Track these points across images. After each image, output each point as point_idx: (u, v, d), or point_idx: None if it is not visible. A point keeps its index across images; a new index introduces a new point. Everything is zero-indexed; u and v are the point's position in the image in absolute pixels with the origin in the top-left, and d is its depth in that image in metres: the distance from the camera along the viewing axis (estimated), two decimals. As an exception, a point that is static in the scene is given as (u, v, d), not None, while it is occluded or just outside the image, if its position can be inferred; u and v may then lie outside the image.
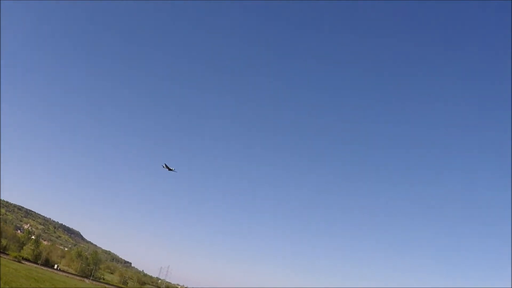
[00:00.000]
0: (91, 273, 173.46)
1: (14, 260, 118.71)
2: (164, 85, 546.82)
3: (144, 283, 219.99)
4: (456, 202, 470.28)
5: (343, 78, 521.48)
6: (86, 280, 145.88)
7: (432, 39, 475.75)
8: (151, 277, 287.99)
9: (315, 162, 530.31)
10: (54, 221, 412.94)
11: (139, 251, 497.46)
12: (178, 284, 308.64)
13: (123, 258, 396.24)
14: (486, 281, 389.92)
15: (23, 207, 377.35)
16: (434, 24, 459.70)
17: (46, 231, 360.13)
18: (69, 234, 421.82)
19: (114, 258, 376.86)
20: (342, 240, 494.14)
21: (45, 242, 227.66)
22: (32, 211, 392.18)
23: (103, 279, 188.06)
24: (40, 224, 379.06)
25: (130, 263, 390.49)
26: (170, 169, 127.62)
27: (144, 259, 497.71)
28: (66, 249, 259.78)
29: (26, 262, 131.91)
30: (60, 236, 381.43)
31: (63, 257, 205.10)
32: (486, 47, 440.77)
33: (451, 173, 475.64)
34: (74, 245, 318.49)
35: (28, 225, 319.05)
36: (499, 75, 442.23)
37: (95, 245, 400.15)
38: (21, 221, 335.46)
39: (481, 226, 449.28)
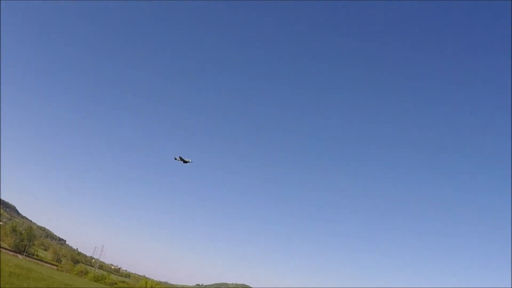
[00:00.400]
0: (24, 249, 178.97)
1: None
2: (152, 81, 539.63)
3: (78, 261, 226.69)
4: (455, 201, 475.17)
5: (345, 79, 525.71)
6: (20, 256, 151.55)
7: (432, 39, 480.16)
8: (85, 255, 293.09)
9: (314, 161, 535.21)
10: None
11: (74, 229, 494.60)
12: (112, 264, 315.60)
13: (58, 235, 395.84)
14: (486, 281, 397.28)
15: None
16: (434, 24, 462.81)
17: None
18: (5, 208, 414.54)
19: (49, 235, 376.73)
20: (340, 240, 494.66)
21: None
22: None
23: (37, 255, 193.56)
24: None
25: (65, 241, 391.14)
26: (185, 161, 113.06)
27: (79, 237, 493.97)
28: (0, 223, 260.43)
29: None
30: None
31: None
32: (486, 47, 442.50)
33: (451, 173, 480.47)
34: (9, 220, 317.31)
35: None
36: (499, 75, 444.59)
37: (31, 221, 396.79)
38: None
39: (481, 226, 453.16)
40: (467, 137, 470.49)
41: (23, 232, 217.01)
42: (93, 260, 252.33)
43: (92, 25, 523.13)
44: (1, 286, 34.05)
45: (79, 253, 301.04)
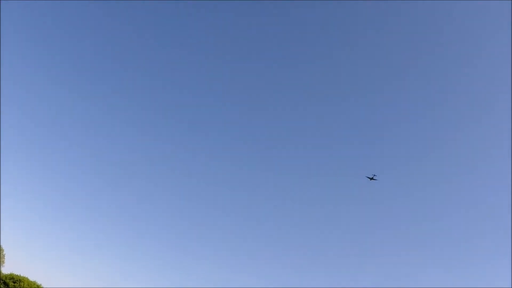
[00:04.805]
0: None
1: None
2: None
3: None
4: (455, 201, 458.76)
5: (343, 78, 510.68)
6: None
7: (431, 39, 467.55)
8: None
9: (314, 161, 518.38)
10: None
11: None
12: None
13: None
14: (486, 281, 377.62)
15: None
16: (433, 23, 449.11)
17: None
18: None
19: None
20: (338, 241, 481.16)
21: None
22: None
23: None
24: None
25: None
26: (372, 179, 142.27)
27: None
28: None
29: None
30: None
31: None
32: (486, 47, 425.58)
33: (450, 172, 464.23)
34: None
35: None
36: (499, 75, 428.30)
37: None
38: None
39: (481, 225, 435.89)
40: (467, 135, 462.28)
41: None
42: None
43: (92, 25, 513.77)
44: None
45: None
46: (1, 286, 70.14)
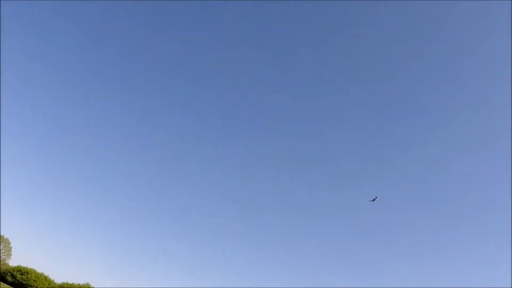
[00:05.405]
0: None
1: None
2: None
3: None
4: (455, 200, 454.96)
5: (342, 79, 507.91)
6: None
7: (431, 39, 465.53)
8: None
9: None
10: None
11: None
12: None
13: None
14: (486, 281, 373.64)
15: None
16: (433, 23, 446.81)
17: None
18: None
19: None
20: (338, 241, 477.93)
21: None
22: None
23: None
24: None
25: None
26: (374, 200, 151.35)
27: None
28: None
29: None
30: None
31: None
32: (486, 47, 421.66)
33: (450, 172, 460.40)
34: None
35: None
36: (499, 75, 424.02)
37: None
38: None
39: (481, 225, 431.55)
40: (466, 135, 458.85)
41: None
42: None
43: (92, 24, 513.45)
44: None
45: None
46: (8, 278, 70.55)
